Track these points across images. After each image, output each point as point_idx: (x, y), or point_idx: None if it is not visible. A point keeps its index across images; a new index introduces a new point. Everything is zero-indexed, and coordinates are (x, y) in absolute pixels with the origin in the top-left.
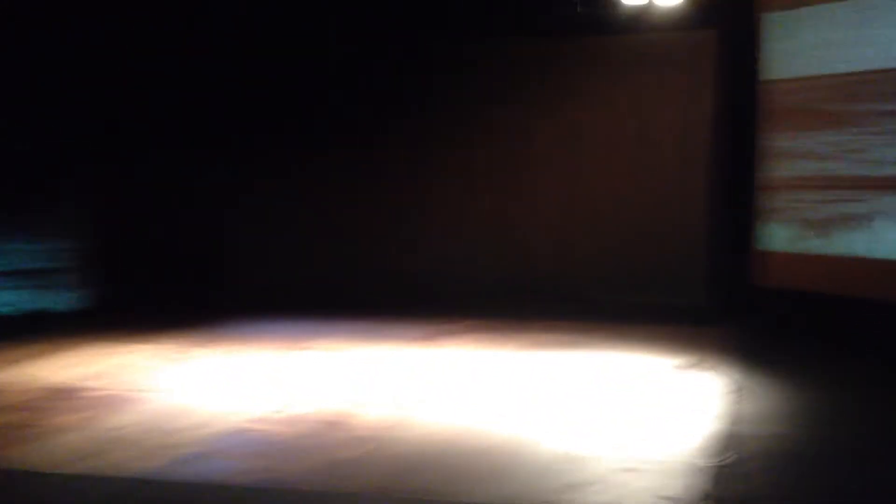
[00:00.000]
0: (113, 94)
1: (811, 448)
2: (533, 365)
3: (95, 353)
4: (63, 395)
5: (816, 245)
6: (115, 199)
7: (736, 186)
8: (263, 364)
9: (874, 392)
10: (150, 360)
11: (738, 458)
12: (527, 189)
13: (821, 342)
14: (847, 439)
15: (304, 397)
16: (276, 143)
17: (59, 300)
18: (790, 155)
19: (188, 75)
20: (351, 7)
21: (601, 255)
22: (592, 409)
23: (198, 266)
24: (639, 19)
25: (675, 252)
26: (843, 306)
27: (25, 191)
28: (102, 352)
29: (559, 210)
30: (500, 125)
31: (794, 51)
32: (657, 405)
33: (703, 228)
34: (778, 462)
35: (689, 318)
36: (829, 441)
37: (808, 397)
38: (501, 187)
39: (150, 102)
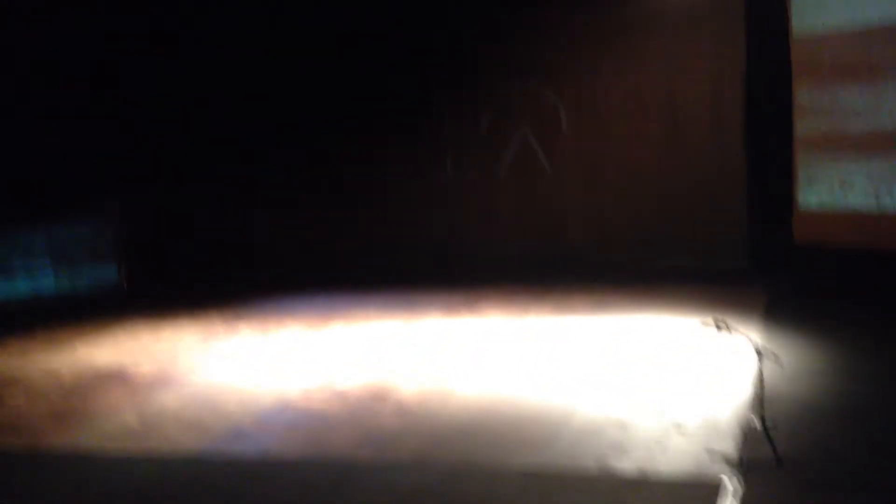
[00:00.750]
0: (144, 99)
1: (850, 405)
2: (567, 330)
3: (140, 333)
4: (113, 376)
5: (855, 202)
6: (152, 189)
7: (771, 145)
8: (301, 339)
9: None
10: (193, 338)
11: (781, 417)
12: (558, 155)
13: (858, 300)
14: (885, 396)
15: (344, 371)
16: (309, 126)
17: (101, 283)
18: (826, 110)
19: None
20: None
21: (635, 219)
22: (629, 374)
23: (231, 247)
24: None
25: (710, 213)
26: (881, 263)
27: (67, 180)
28: (146, 332)
29: (592, 176)
30: (527, 95)
31: (825, 4)
32: (693, 367)
33: (738, 188)
34: (817, 419)
35: (726, 279)
36: (866, 398)
37: (845, 355)
38: (531, 155)
39: (181, 106)
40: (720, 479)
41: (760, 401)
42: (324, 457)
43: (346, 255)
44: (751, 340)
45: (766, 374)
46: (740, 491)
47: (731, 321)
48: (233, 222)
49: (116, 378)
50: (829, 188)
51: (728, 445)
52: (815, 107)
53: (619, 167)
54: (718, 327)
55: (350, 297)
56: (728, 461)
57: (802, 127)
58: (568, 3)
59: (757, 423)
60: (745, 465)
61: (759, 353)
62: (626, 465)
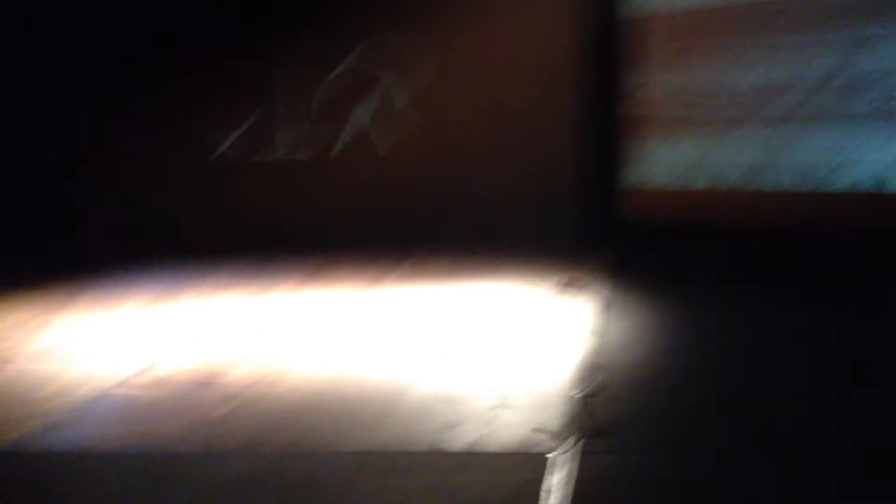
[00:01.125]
0: None
1: (676, 373)
2: (405, 301)
3: None
4: None
5: (683, 178)
6: None
7: (603, 122)
8: (129, 320)
9: (733, 315)
10: (15, 320)
11: (606, 387)
12: (407, 124)
13: (688, 271)
14: (709, 363)
15: (172, 354)
16: (132, 81)
17: None
18: (658, 90)
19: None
20: None
21: (471, 191)
22: (465, 345)
23: (54, 215)
24: None
25: (546, 187)
26: (709, 236)
27: None
28: None
29: (423, 147)
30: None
31: None
32: (528, 337)
33: (572, 163)
34: (644, 387)
35: (559, 251)
36: (692, 365)
37: (673, 324)
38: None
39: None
40: (545, 452)
41: (593, 370)
42: (148, 447)
43: (196, 224)
44: (585, 310)
45: (599, 343)
46: (564, 461)
47: (565, 292)
48: (70, 188)
49: None
50: (659, 167)
51: (554, 417)
52: (646, 87)
53: (452, 141)
54: (555, 297)
55: (194, 270)
56: (553, 433)
57: (635, 107)
58: None
59: (589, 393)
60: (570, 435)
61: (593, 322)
62: (457, 442)
